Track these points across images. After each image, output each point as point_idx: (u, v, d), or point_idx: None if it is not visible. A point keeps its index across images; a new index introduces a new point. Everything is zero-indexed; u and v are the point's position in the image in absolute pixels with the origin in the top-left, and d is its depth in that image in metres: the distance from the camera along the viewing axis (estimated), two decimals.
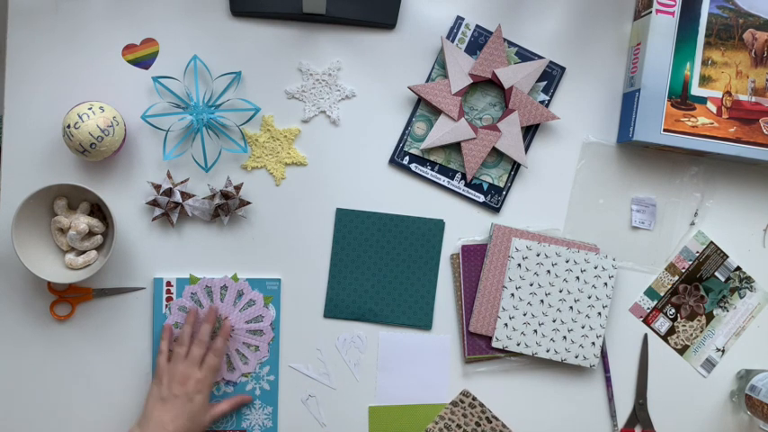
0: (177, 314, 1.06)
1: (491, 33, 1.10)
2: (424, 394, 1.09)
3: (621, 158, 1.11)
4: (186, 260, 1.08)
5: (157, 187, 1.06)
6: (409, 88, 1.08)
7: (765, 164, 1.08)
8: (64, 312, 1.07)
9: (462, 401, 1.07)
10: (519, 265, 1.08)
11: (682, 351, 1.11)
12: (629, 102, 1.07)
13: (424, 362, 1.09)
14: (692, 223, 1.12)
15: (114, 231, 1.01)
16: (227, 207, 1.06)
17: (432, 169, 1.10)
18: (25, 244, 1.01)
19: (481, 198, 1.10)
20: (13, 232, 0.99)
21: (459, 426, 1.06)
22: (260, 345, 1.07)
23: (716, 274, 1.11)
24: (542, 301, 1.07)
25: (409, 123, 1.09)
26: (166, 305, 1.06)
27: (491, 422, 1.06)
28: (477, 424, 1.06)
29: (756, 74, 1.06)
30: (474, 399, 1.07)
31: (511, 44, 1.10)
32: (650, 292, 1.11)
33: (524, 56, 1.10)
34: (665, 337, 1.11)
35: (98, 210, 1.06)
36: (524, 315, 1.07)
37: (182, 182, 1.07)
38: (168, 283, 1.06)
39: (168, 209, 1.06)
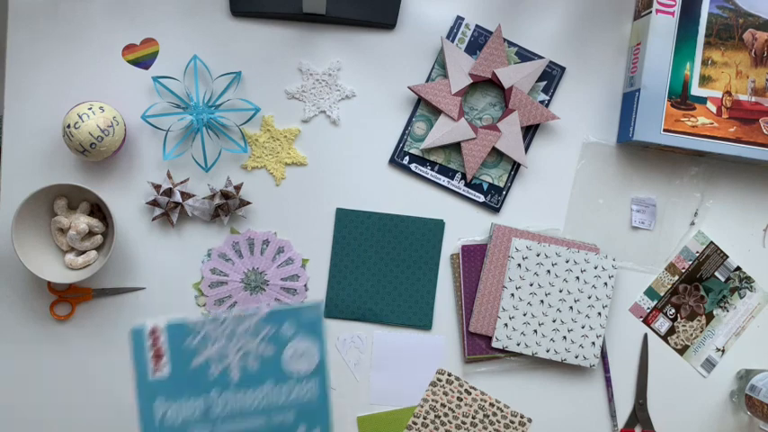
0: (217, 260, 1.06)
1: (491, 33, 1.10)
2: (422, 395, 1.08)
3: (621, 158, 1.11)
4: (186, 260, 1.08)
5: (157, 187, 1.06)
6: (409, 88, 1.08)
7: (765, 164, 1.08)
8: (64, 312, 1.07)
9: (440, 380, 1.07)
10: (519, 265, 1.08)
11: (682, 351, 1.11)
12: (629, 102, 1.07)
13: (423, 362, 1.09)
14: (692, 223, 1.12)
15: (114, 231, 1.01)
16: (227, 207, 1.06)
17: (432, 169, 1.10)
18: (25, 244, 1.01)
19: (481, 198, 1.10)
20: (13, 232, 0.99)
21: (443, 405, 1.06)
22: (292, 303, 1.07)
23: (716, 274, 1.11)
24: (542, 301, 1.07)
25: (409, 123, 1.09)
26: (155, 362, 0.81)
27: (470, 393, 1.07)
28: (459, 399, 1.06)
29: (756, 74, 1.06)
30: (450, 374, 1.07)
31: (511, 44, 1.10)
32: (650, 292, 1.11)
33: (524, 56, 1.10)
34: (665, 337, 1.11)
35: (98, 210, 1.06)
36: (524, 315, 1.07)
37: (182, 182, 1.07)
38: (154, 331, 0.80)
39: (168, 209, 1.06)
